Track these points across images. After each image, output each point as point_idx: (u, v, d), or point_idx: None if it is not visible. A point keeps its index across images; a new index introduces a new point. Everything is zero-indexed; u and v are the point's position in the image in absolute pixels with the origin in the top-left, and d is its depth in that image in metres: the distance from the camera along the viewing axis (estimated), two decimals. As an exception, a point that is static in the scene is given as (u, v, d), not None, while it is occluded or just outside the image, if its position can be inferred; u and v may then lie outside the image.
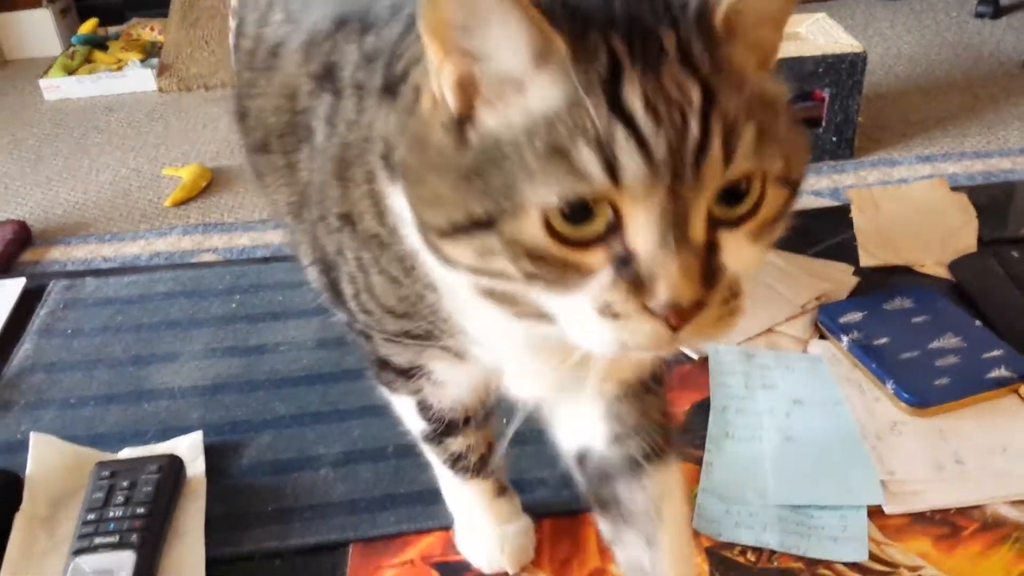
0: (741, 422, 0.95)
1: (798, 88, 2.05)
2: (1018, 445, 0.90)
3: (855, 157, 2.20)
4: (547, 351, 0.57)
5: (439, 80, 0.48)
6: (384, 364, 0.73)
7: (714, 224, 0.46)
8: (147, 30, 3.05)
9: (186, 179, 2.29)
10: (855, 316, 1.06)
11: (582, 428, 0.71)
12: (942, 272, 1.17)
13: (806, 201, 1.98)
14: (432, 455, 0.80)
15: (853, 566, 0.80)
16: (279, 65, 0.72)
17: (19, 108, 2.81)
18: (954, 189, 1.33)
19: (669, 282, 0.44)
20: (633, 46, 0.45)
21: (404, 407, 0.77)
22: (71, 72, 2.84)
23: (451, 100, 0.48)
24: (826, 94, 2.07)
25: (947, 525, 0.84)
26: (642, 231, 0.45)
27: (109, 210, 2.29)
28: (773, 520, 0.84)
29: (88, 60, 2.92)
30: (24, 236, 2.15)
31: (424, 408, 0.75)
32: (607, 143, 0.43)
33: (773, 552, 0.81)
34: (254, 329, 1.11)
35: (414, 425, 0.78)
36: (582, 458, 0.72)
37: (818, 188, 2.08)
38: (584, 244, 0.46)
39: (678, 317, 0.45)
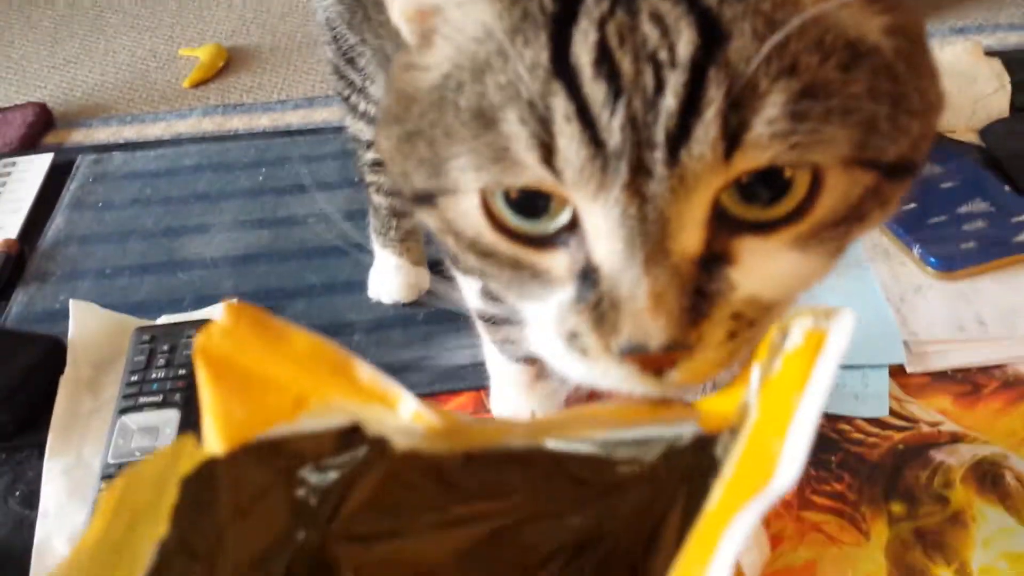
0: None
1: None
2: (1042, 306, 0.91)
3: (888, 29, 2.15)
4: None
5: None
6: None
7: (731, 227, 0.33)
8: (155, -96, 2.95)
9: (203, 59, 2.27)
10: (883, 182, 1.05)
11: None
12: (973, 138, 1.15)
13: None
14: (483, 331, 0.74)
15: (874, 422, 0.82)
16: None
17: (31, -11, 2.76)
18: (988, 54, 1.29)
19: (632, 318, 0.32)
20: None
21: (468, 287, 0.68)
22: (81, -50, 2.77)
23: (404, 30, 0.37)
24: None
25: (968, 383, 0.85)
26: (601, 237, 0.33)
27: (128, 92, 2.28)
28: (796, 379, 0.86)
29: (97, -63, 2.84)
30: (46, 118, 2.15)
31: (489, 292, 0.65)
32: (544, 116, 0.31)
33: (795, 409, 0.83)
34: (282, 201, 1.12)
35: (473, 304, 0.70)
36: None
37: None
38: (541, 243, 0.35)
39: (648, 364, 0.34)
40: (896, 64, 0.34)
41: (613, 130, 0.30)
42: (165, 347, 0.87)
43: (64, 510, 0.79)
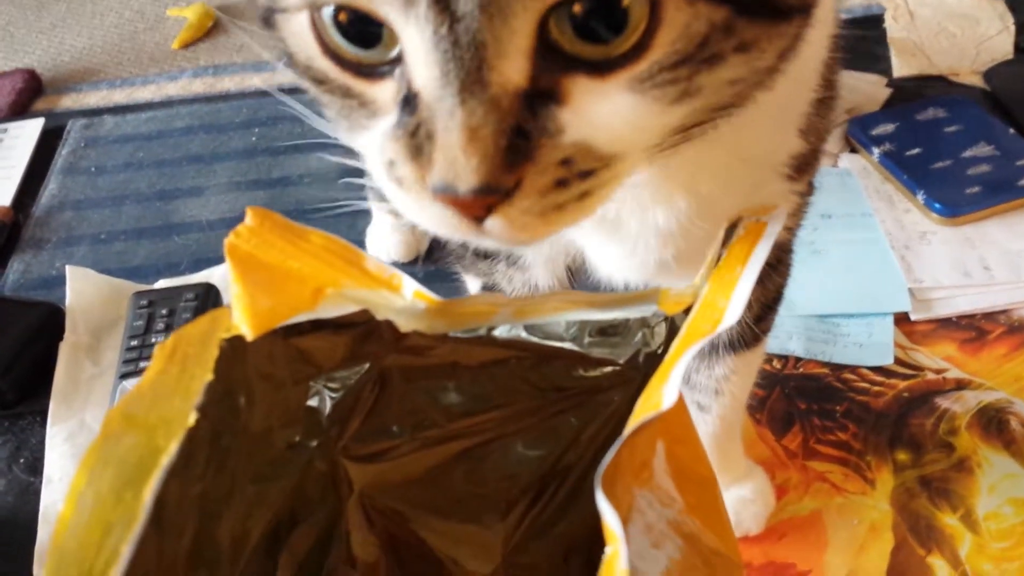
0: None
1: None
2: (1048, 250, 0.90)
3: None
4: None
5: None
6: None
7: (561, 64, 0.30)
8: None
9: (192, 19, 2.23)
10: (887, 128, 1.04)
11: None
12: (977, 81, 1.14)
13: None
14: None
15: (878, 370, 0.82)
16: None
17: (14, -49, 2.71)
18: (992, -5, 1.27)
19: (444, 153, 0.30)
20: None
21: (471, 287, 0.68)
22: (63, -91, 2.71)
23: None
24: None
25: (972, 329, 0.85)
26: (421, 63, 0.30)
27: (117, 54, 2.24)
28: (799, 329, 0.85)
29: None
30: (35, 84, 2.11)
31: (490, 290, 0.65)
32: None
33: (798, 359, 0.83)
34: (276, 162, 1.11)
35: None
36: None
37: (852, 2, 2.00)
38: (372, 72, 0.33)
39: (463, 205, 0.31)
40: None
41: None
42: (164, 311, 0.87)
43: (69, 475, 0.78)
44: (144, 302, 0.88)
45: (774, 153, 0.48)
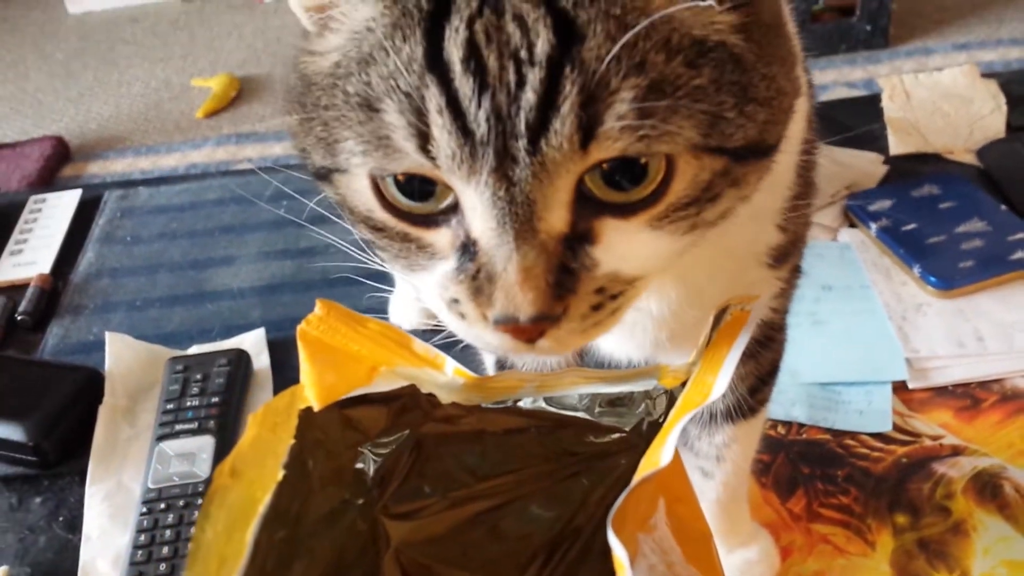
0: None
1: (829, -24, 2.02)
2: (1038, 322, 0.94)
3: (889, 46, 2.18)
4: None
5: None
6: None
7: (593, 209, 0.36)
8: (165, -62, 3.02)
9: (216, 89, 2.32)
10: (884, 203, 1.09)
11: None
12: (970, 159, 1.19)
13: (838, 92, 1.99)
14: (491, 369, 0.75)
15: (878, 436, 0.86)
16: None
17: (44, 22, 2.82)
18: (984, 76, 1.33)
19: (505, 291, 0.36)
20: None
21: (486, 361, 0.73)
22: (93, -16, 2.84)
23: (303, 18, 0.40)
24: (858, -19, 2.04)
25: (968, 398, 0.89)
26: (477, 216, 0.36)
27: (143, 123, 2.33)
28: (802, 396, 0.89)
29: (109, -29, 2.91)
30: (62, 151, 2.20)
31: (502, 366, 0.70)
32: (419, 108, 0.34)
33: (802, 425, 0.87)
34: (303, 232, 1.16)
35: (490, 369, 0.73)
36: None
37: (852, 79, 2.08)
38: (426, 221, 0.38)
39: (519, 333, 0.37)
40: (744, 56, 0.36)
41: (480, 121, 0.33)
42: (198, 376, 0.91)
43: (107, 533, 0.83)
44: (180, 367, 0.93)
45: (755, 245, 0.54)
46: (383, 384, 0.49)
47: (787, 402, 0.89)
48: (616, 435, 0.54)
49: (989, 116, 1.26)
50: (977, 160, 1.19)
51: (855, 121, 1.25)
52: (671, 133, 0.34)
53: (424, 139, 0.34)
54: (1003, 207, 1.08)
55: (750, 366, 0.64)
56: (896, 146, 1.21)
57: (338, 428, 0.51)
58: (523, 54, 0.33)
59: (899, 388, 0.90)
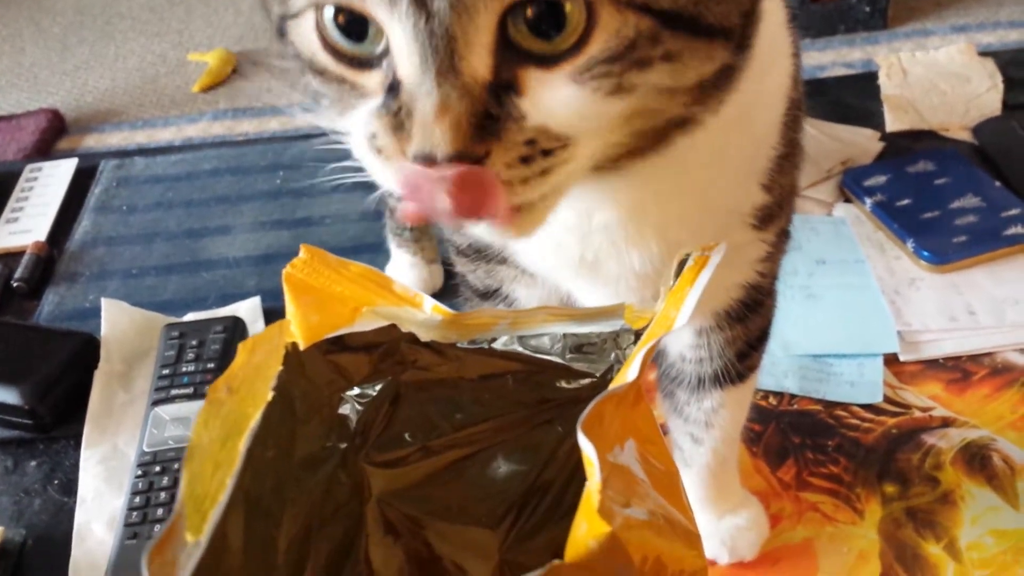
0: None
1: (829, -44, 2.02)
2: (1030, 297, 0.95)
3: (888, 28, 2.17)
4: (564, 253, 0.54)
5: None
6: (464, 280, 0.70)
7: (518, 58, 0.37)
8: (162, -89, 3.00)
9: (213, 64, 2.31)
10: (879, 179, 1.10)
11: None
12: (966, 136, 1.19)
13: (836, 72, 1.99)
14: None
15: (868, 407, 0.86)
16: None
17: (41, -5, 2.81)
18: (981, 54, 1.33)
19: (422, 123, 0.36)
20: None
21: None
22: (90, -43, 2.81)
23: None
24: (857, -39, 2.04)
25: (958, 371, 0.89)
26: (403, 54, 0.37)
27: (139, 96, 2.32)
28: (794, 368, 0.90)
29: (106, -56, 2.89)
30: (58, 124, 2.20)
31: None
32: None
33: (793, 396, 0.88)
34: (299, 203, 1.17)
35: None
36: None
37: (850, 60, 2.07)
38: (363, 63, 0.39)
39: (432, 165, 0.37)
40: None
41: None
42: (194, 342, 0.92)
43: (102, 497, 0.83)
44: (175, 333, 0.93)
45: (739, 204, 0.54)
46: (365, 324, 0.51)
47: (779, 373, 0.90)
48: (587, 380, 0.56)
49: (985, 94, 1.27)
50: (972, 137, 1.19)
51: (852, 97, 1.26)
52: None
53: None
54: (997, 184, 1.08)
55: (738, 330, 0.64)
56: (892, 123, 1.21)
57: (322, 371, 0.53)
58: None
59: (891, 361, 0.90)
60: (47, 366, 0.92)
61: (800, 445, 0.84)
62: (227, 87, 2.31)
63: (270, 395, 0.45)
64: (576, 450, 0.50)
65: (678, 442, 0.74)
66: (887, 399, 0.87)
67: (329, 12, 0.38)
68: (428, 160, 0.36)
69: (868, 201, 1.07)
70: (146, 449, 0.83)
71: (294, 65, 0.43)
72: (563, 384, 0.56)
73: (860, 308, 0.96)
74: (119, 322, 0.97)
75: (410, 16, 0.35)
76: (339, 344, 0.52)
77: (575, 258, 0.54)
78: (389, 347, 0.54)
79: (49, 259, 1.11)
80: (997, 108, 1.23)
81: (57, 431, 0.90)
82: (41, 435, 0.90)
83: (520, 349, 0.55)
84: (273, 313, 1.00)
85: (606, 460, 0.37)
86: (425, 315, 0.52)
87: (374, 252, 1.08)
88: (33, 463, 0.88)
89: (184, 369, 0.89)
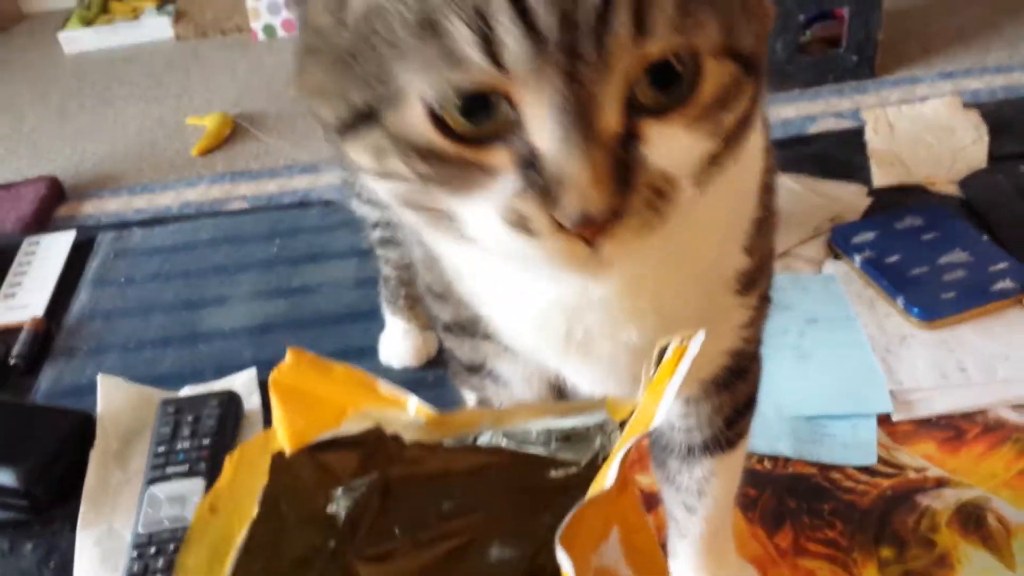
0: (758, 341, 1.01)
1: (817, 7, 2.06)
2: (1020, 353, 0.95)
3: (876, 76, 2.20)
4: (551, 332, 0.55)
5: None
6: (451, 355, 0.70)
7: (636, 111, 0.39)
8: (160, -23, 3.06)
9: (210, 128, 2.34)
10: (867, 236, 1.11)
11: None
12: (953, 189, 1.21)
13: (826, 123, 2.01)
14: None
15: (863, 469, 0.86)
16: None
17: (40, 63, 2.85)
18: (966, 107, 1.35)
19: (578, 190, 0.37)
20: None
21: (468, 401, 0.74)
22: (88, 23, 2.87)
23: None
24: (846, 12, 2.07)
25: (951, 429, 0.90)
26: (542, 125, 0.37)
27: (137, 161, 2.35)
28: (787, 430, 0.90)
29: (104, 10, 2.95)
30: (57, 191, 2.22)
31: (483, 403, 0.71)
32: (486, 15, 0.35)
33: (788, 459, 0.88)
34: (296, 271, 1.18)
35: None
36: None
37: (839, 109, 2.10)
38: (483, 141, 0.39)
39: (593, 231, 0.38)
40: None
41: (549, 23, 0.35)
42: (190, 418, 0.92)
43: (98, 578, 0.83)
44: (171, 410, 0.94)
45: (723, 269, 0.56)
46: (352, 426, 0.52)
47: (773, 436, 0.90)
48: (574, 469, 0.56)
49: (971, 146, 1.28)
50: (959, 191, 1.20)
51: (838, 152, 1.27)
52: (705, 27, 0.38)
53: (492, 48, 0.35)
54: (985, 237, 1.09)
55: (725, 397, 0.65)
56: (879, 177, 1.23)
57: (310, 471, 0.53)
58: None
59: (883, 420, 0.91)
60: (43, 447, 0.92)
61: (796, 510, 0.83)
62: (225, 150, 2.34)
63: (256, 510, 0.46)
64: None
65: (672, 512, 0.74)
66: (881, 460, 0.87)
67: (450, 94, 0.38)
68: (587, 223, 0.38)
69: (857, 258, 1.08)
70: (141, 530, 0.83)
71: (371, 153, 0.42)
72: (551, 474, 0.57)
73: (852, 367, 0.97)
74: (115, 399, 0.98)
75: (557, 87, 0.36)
76: (326, 442, 0.53)
77: (561, 336, 0.54)
78: (376, 443, 0.55)
79: (47, 334, 1.12)
80: (983, 160, 1.25)
81: (53, 512, 0.91)
82: (37, 516, 0.90)
83: (505, 443, 0.56)
84: (268, 385, 1.00)
85: (586, 569, 0.38)
86: (410, 417, 0.53)
87: (369, 320, 1.09)
88: (29, 545, 0.88)
89: (180, 446, 0.89)
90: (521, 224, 0.39)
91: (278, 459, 0.49)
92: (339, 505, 0.56)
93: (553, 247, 0.39)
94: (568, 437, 0.55)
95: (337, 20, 0.39)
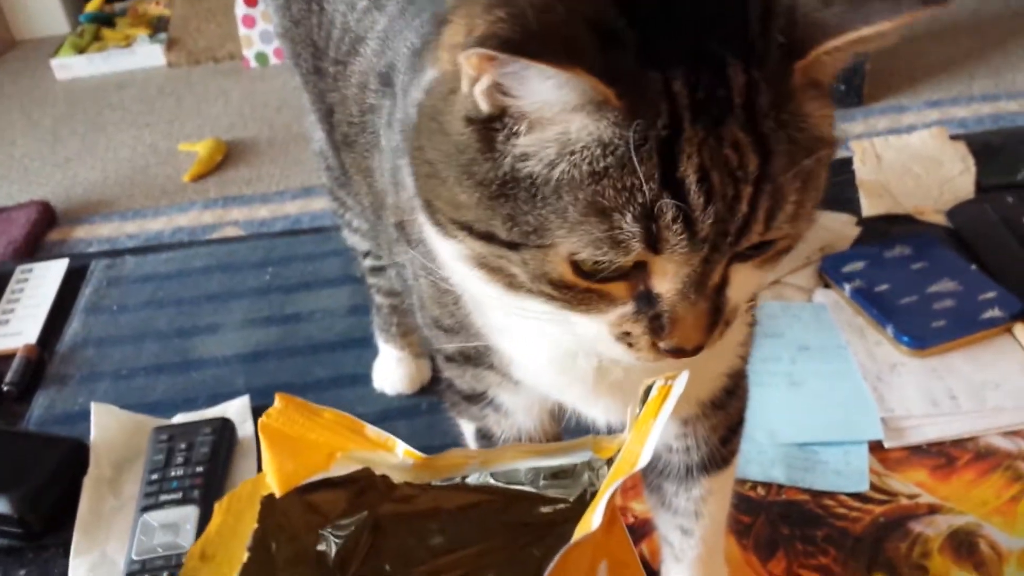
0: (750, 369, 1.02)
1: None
2: (1009, 381, 0.96)
3: (863, 104, 2.23)
4: (575, 372, 0.58)
5: (467, 79, 0.44)
6: (450, 385, 0.71)
7: (730, 261, 0.46)
8: (153, 4, 3.08)
9: (203, 154, 2.35)
10: (857, 265, 1.12)
11: None
12: (941, 219, 1.22)
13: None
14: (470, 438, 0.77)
15: (856, 496, 0.87)
16: (360, 52, 0.69)
17: (32, 89, 2.85)
18: (953, 137, 1.37)
19: (683, 333, 0.46)
20: (696, 87, 0.42)
21: (465, 431, 0.75)
22: (81, 51, 2.88)
23: (482, 103, 0.44)
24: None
25: (943, 456, 0.90)
26: (669, 283, 0.45)
27: (129, 187, 2.35)
28: (780, 457, 0.91)
29: (97, 38, 2.96)
30: (48, 216, 2.21)
31: (485, 436, 0.72)
32: (654, 217, 0.42)
33: (781, 486, 0.88)
34: (289, 299, 1.18)
35: (469, 438, 0.76)
36: None
37: (827, 137, 2.12)
38: (609, 279, 0.45)
39: (680, 356, 0.47)
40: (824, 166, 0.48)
41: (706, 227, 0.42)
42: (183, 445, 0.92)
43: (90, 607, 0.83)
44: (164, 437, 0.93)
45: None
46: (340, 468, 0.54)
47: (766, 463, 0.90)
48: (562, 505, 0.58)
49: (958, 177, 1.30)
50: (947, 220, 1.22)
51: (828, 182, 1.29)
52: (808, 218, 0.46)
53: (654, 239, 0.42)
54: (973, 267, 1.11)
55: (720, 416, 0.67)
56: (868, 208, 1.24)
57: (299, 512, 0.54)
58: (739, 173, 0.42)
59: (875, 447, 0.91)
60: (36, 474, 0.91)
61: (789, 536, 0.84)
62: (217, 176, 2.34)
63: (246, 556, 0.47)
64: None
65: (667, 537, 0.74)
66: (874, 487, 0.88)
67: (600, 260, 0.44)
68: (680, 354, 0.46)
69: (847, 287, 1.09)
70: (135, 557, 0.82)
71: (476, 255, 0.47)
72: (540, 510, 0.58)
73: (843, 394, 0.97)
74: (108, 426, 0.98)
75: (694, 266, 0.44)
76: (315, 482, 0.54)
77: (580, 372, 0.57)
78: (365, 483, 0.56)
79: (39, 362, 1.12)
80: (970, 190, 1.27)
81: (46, 539, 0.90)
82: (30, 543, 0.90)
83: (493, 483, 0.58)
84: (261, 411, 0.99)
85: None
86: (397, 459, 0.55)
87: (362, 347, 1.09)
88: (22, 572, 0.88)
89: (173, 473, 0.89)
90: (624, 339, 0.47)
91: (268, 501, 0.51)
92: (329, 543, 0.57)
93: (644, 357, 0.47)
94: (556, 475, 0.56)
95: (485, 147, 0.44)
